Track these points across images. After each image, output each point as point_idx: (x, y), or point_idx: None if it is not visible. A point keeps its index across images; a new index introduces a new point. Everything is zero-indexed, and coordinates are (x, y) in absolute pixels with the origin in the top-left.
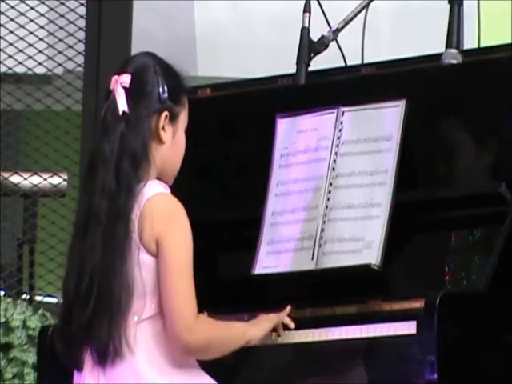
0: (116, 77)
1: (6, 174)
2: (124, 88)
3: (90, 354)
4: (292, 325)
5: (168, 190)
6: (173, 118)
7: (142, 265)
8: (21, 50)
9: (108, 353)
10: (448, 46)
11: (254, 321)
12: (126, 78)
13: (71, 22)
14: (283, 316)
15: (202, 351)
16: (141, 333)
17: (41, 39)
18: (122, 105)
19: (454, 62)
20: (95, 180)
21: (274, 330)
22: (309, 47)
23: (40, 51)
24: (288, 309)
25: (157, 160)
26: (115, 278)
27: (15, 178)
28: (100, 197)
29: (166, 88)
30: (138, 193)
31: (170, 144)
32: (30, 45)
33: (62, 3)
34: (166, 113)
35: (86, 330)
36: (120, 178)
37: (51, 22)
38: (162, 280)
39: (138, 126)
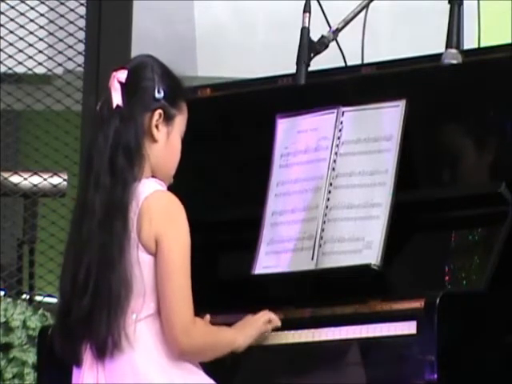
0: (114, 73)
1: (5, 174)
2: (120, 83)
3: (88, 350)
4: (278, 323)
5: (164, 187)
6: (168, 119)
7: (142, 263)
8: (21, 50)
9: (107, 346)
10: (448, 45)
11: (240, 325)
12: (122, 74)
13: (71, 22)
14: (267, 318)
15: (197, 355)
16: (139, 331)
17: (41, 39)
18: (117, 99)
19: (454, 61)
20: (91, 173)
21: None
22: (309, 47)
23: (40, 51)
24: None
25: (151, 159)
26: (114, 272)
27: (15, 178)
28: (94, 190)
29: (161, 87)
30: (134, 189)
31: (164, 144)
32: (30, 45)
33: (62, 3)
34: (159, 111)
35: (85, 323)
36: (115, 173)
37: (51, 21)
38: (161, 280)
39: (131, 120)
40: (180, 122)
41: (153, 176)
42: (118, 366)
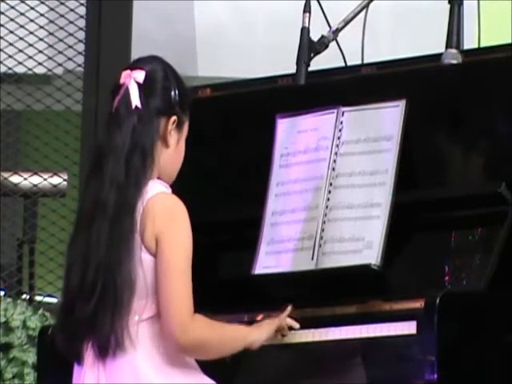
0: (128, 71)
1: (5, 174)
2: (137, 83)
3: (90, 349)
4: (296, 325)
5: (169, 190)
6: (179, 125)
7: (144, 264)
8: (21, 50)
9: (110, 344)
10: (448, 45)
11: (256, 324)
12: (140, 74)
13: (71, 22)
14: (284, 317)
15: (197, 351)
16: (141, 332)
17: (41, 39)
18: (136, 99)
19: (454, 62)
20: (104, 171)
21: (277, 330)
22: (309, 47)
23: (40, 51)
24: (289, 309)
25: (160, 161)
26: (120, 272)
27: (15, 178)
28: (109, 188)
29: (177, 93)
30: (143, 190)
31: (173, 150)
32: (30, 45)
33: (62, 3)
34: (174, 117)
35: (89, 322)
36: (129, 172)
37: (51, 21)
38: (159, 278)
39: (149, 123)
40: (186, 128)
41: (158, 177)
42: (119, 366)
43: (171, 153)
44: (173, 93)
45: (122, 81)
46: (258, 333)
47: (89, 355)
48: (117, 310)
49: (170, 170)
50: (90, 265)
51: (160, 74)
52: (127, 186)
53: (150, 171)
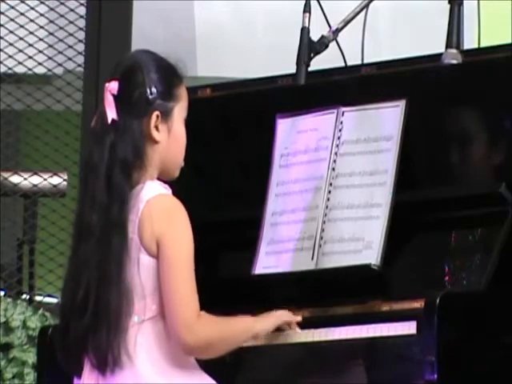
0: (107, 84)
1: (5, 174)
2: (113, 95)
3: (87, 361)
4: (297, 330)
5: (169, 191)
6: (165, 116)
7: (142, 266)
8: (21, 50)
9: (107, 363)
10: (448, 46)
11: (262, 315)
12: (113, 85)
13: (71, 22)
14: (293, 318)
15: (204, 351)
16: (142, 333)
17: (41, 39)
18: (111, 113)
19: (454, 62)
20: (87, 191)
21: (279, 329)
22: (309, 47)
23: (40, 51)
24: (299, 318)
25: (155, 160)
26: (113, 289)
27: (15, 178)
28: (91, 209)
29: (154, 89)
30: (135, 197)
31: (167, 141)
32: (30, 45)
33: (62, 3)
34: (156, 113)
35: (83, 342)
36: (112, 189)
37: (51, 21)
38: (163, 279)
39: (128, 132)
40: (179, 109)
41: (159, 177)
42: (120, 378)
43: (165, 146)
44: (148, 90)
45: (104, 96)
46: (262, 323)
47: (87, 362)
48: (112, 327)
49: (174, 160)
50: (80, 284)
51: (134, 76)
52: (111, 204)
53: (139, 177)
